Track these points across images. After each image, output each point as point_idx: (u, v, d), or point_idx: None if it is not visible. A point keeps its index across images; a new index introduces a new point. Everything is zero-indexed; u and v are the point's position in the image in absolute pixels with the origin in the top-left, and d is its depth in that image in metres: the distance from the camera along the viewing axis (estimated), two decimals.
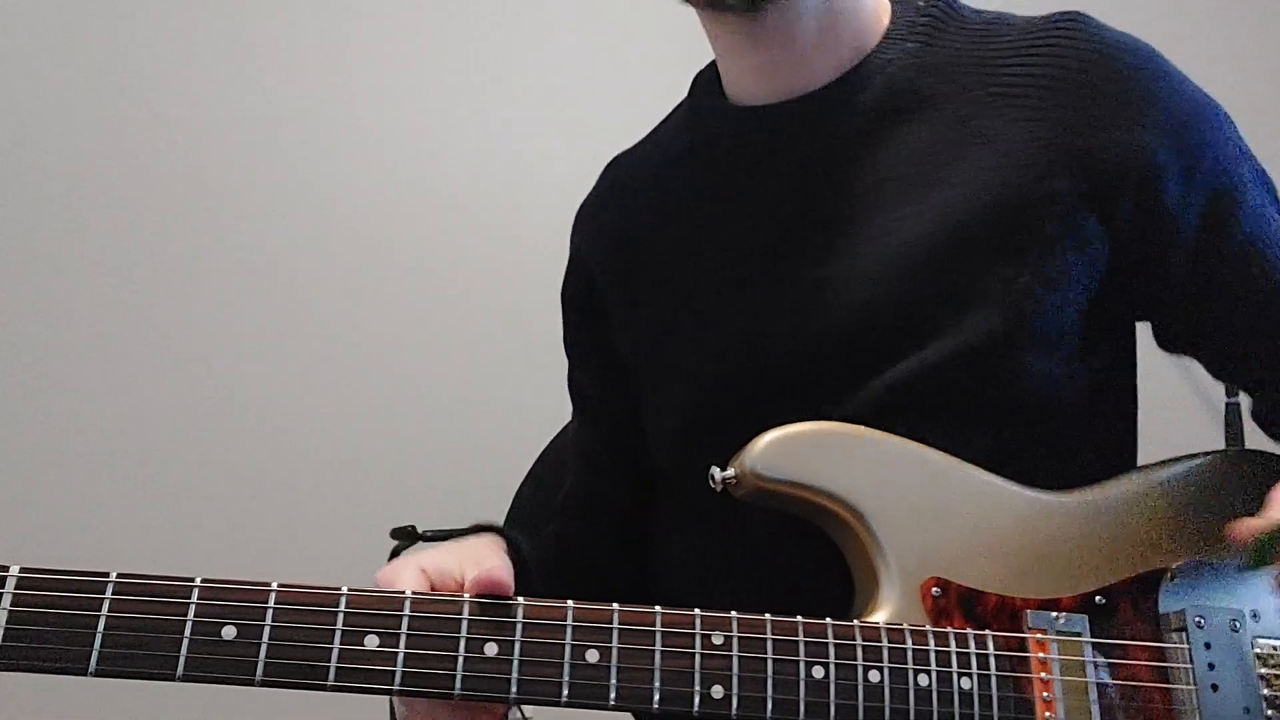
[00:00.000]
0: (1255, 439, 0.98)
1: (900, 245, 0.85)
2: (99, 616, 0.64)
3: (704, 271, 0.94)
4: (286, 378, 2.18)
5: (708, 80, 0.99)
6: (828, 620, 0.74)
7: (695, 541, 0.92)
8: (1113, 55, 0.86)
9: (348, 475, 2.15)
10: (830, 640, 0.74)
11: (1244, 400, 0.99)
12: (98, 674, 0.63)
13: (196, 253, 2.19)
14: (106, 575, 0.65)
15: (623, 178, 1.06)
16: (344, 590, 0.68)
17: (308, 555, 2.00)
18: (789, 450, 0.81)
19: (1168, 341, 0.94)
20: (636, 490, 1.01)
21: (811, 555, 0.83)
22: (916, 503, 0.81)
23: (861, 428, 0.83)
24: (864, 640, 0.74)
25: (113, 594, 0.65)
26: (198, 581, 0.66)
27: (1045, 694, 0.76)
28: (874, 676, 0.74)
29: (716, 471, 0.81)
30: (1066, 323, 0.85)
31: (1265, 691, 0.79)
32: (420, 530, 1.56)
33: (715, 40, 0.94)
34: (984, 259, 0.83)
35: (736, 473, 0.80)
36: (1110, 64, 0.86)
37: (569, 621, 0.70)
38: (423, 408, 2.21)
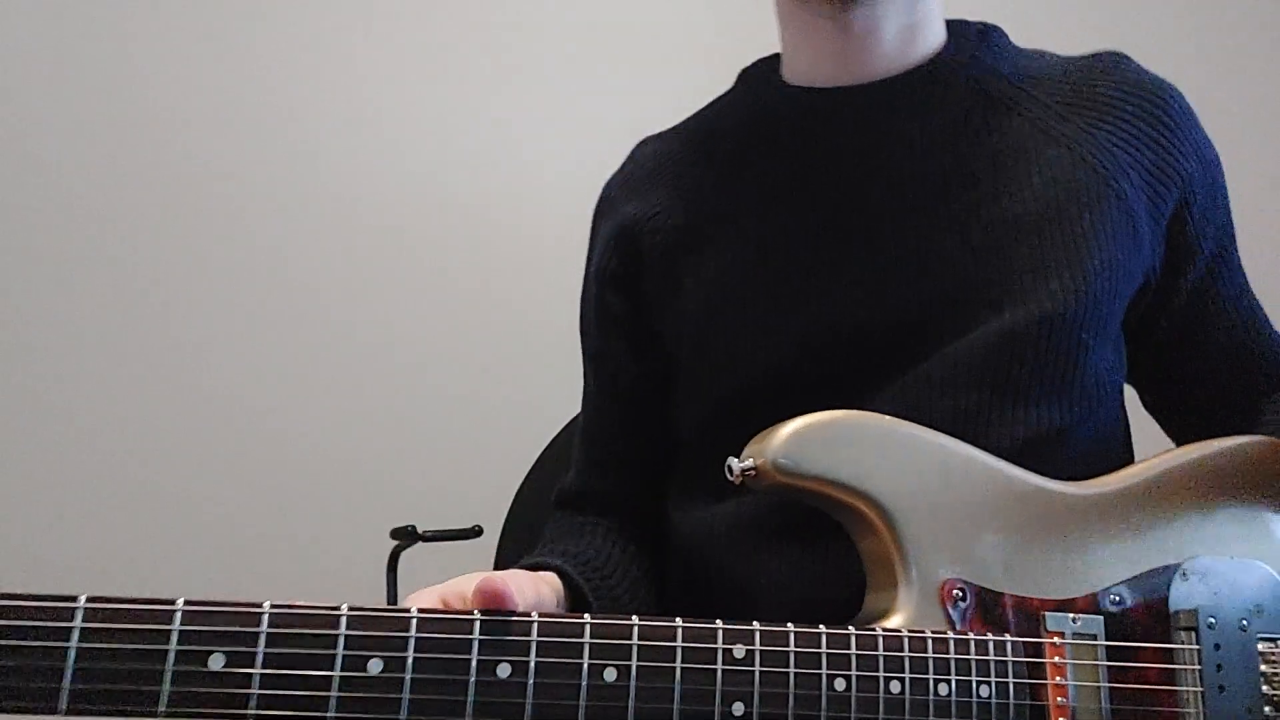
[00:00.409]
0: None
1: (976, 228, 0.87)
2: (68, 648, 0.56)
3: (764, 245, 0.91)
4: (286, 377, 2.13)
5: (760, 71, 1.01)
6: (850, 629, 0.71)
7: (725, 508, 0.90)
8: (1159, 90, 0.93)
9: (348, 475, 2.11)
10: (853, 651, 0.70)
11: None
12: (69, 713, 0.56)
13: (197, 252, 2.12)
14: (74, 599, 0.57)
15: (660, 155, 1.01)
16: (344, 610, 0.61)
17: (308, 555, 2.00)
18: (812, 441, 0.76)
19: (1136, 366, 0.99)
20: (650, 475, 0.99)
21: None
22: (939, 500, 0.77)
23: (884, 417, 0.79)
24: (886, 650, 0.71)
25: (83, 621, 0.57)
26: (180, 604, 0.59)
27: (1060, 699, 0.75)
28: (895, 687, 0.71)
29: (734, 463, 0.76)
30: (1116, 311, 0.89)
31: (1265, 689, 0.79)
32: (420, 530, 1.51)
33: (793, 21, 0.95)
34: (1056, 243, 0.86)
35: (756, 465, 0.75)
36: (1157, 97, 0.92)
37: (586, 639, 0.65)
38: (423, 408, 2.18)
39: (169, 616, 0.58)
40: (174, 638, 0.58)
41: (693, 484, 0.94)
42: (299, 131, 2.19)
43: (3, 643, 0.56)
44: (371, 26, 2.26)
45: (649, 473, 0.99)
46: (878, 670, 0.71)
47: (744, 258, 0.91)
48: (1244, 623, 0.80)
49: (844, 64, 0.93)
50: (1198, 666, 0.78)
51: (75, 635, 0.57)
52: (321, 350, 2.15)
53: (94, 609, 0.57)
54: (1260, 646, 0.80)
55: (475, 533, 1.57)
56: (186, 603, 0.59)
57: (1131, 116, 0.91)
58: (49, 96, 2.07)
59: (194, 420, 2.06)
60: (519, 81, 2.31)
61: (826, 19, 0.91)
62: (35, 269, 2.03)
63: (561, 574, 0.83)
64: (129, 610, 0.58)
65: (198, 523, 2.01)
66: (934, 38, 0.95)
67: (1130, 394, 0.99)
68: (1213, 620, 0.79)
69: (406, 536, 1.54)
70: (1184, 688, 0.78)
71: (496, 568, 1.17)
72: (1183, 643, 0.79)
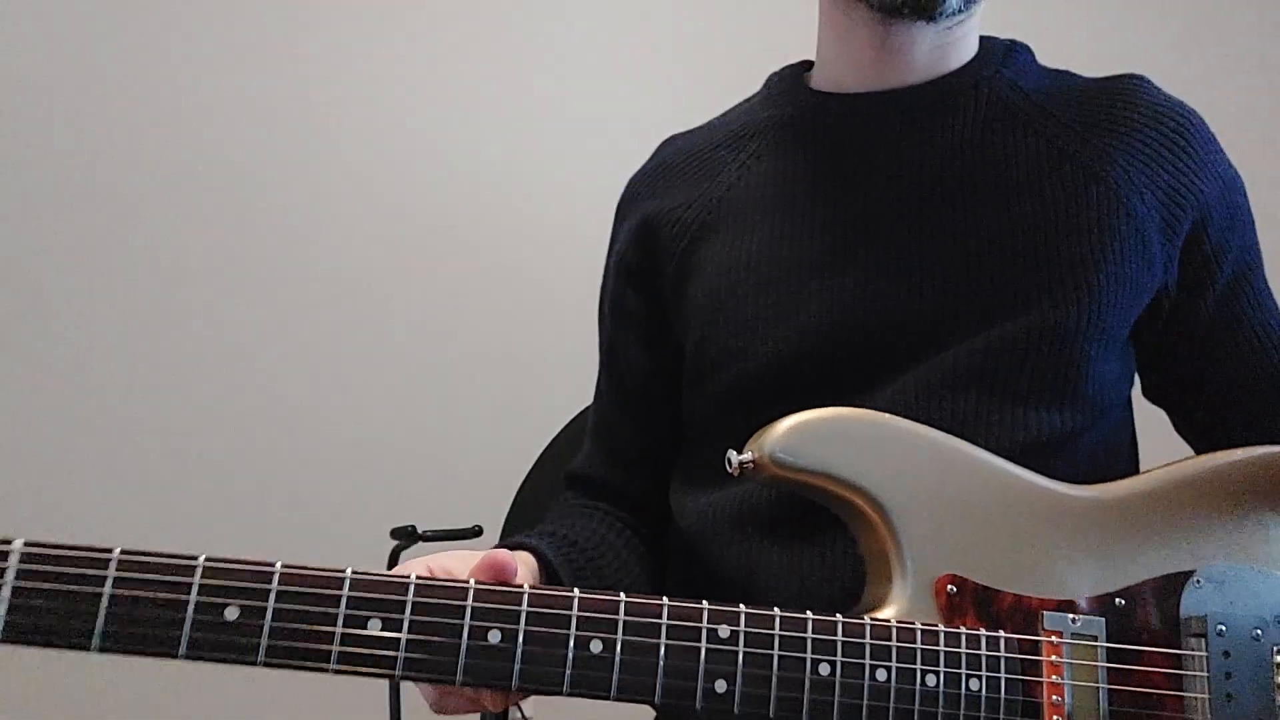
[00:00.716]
0: None
1: (984, 235, 0.89)
2: (102, 594, 0.64)
3: (773, 241, 0.94)
4: (286, 377, 2.18)
5: (787, 76, 1.04)
6: (838, 617, 0.73)
7: (726, 499, 0.92)
8: (1177, 112, 0.95)
9: (348, 475, 2.15)
10: (839, 638, 0.73)
11: None
12: (101, 650, 0.63)
13: (197, 253, 2.17)
14: (110, 551, 0.65)
15: (683, 153, 1.05)
16: (348, 573, 0.67)
17: (308, 554, 2.00)
18: (811, 436, 0.78)
19: (1161, 389, 1.01)
20: (657, 469, 1.02)
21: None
22: (938, 497, 0.79)
23: (885, 415, 0.81)
24: (873, 639, 0.73)
25: (116, 570, 0.64)
26: (201, 560, 0.66)
27: (1055, 698, 0.75)
28: (881, 675, 0.73)
29: (733, 456, 0.79)
30: (1123, 325, 0.91)
31: None
32: (420, 530, 1.57)
33: (832, 28, 0.98)
34: (1062, 255, 0.88)
35: (755, 457, 0.78)
36: (1175, 119, 0.94)
37: (574, 611, 0.69)
38: (424, 408, 2.21)
39: (191, 570, 0.65)
40: (195, 590, 0.65)
41: (694, 474, 0.97)
42: (305, 131, 2.23)
43: (47, 586, 0.63)
44: (391, 23, 2.30)
45: (657, 468, 1.02)
46: (864, 658, 0.73)
47: (753, 254, 0.94)
48: (1258, 632, 0.79)
49: (874, 73, 0.96)
50: (1205, 673, 0.77)
51: (109, 583, 0.64)
52: (322, 351, 2.18)
53: (127, 560, 0.65)
54: (1278, 658, 0.79)
55: (475, 533, 1.60)
56: (207, 559, 0.66)
57: (1150, 137, 0.93)
58: (63, 94, 2.13)
59: (194, 420, 2.11)
60: (524, 81, 2.33)
61: (867, 27, 0.94)
62: (37, 268, 2.10)
63: (537, 554, 0.87)
64: (157, 563, 0.65)
65: (198, 522, 2.06)
66: (966, 53, 0.98)
67: (1137, 407, 0.98)
68: (1223, 628, 0.78)
69: (406, 536, 1.58)
70: (1191, 694, 0.77)
71: None
72: (1192, 649, 0.78)
